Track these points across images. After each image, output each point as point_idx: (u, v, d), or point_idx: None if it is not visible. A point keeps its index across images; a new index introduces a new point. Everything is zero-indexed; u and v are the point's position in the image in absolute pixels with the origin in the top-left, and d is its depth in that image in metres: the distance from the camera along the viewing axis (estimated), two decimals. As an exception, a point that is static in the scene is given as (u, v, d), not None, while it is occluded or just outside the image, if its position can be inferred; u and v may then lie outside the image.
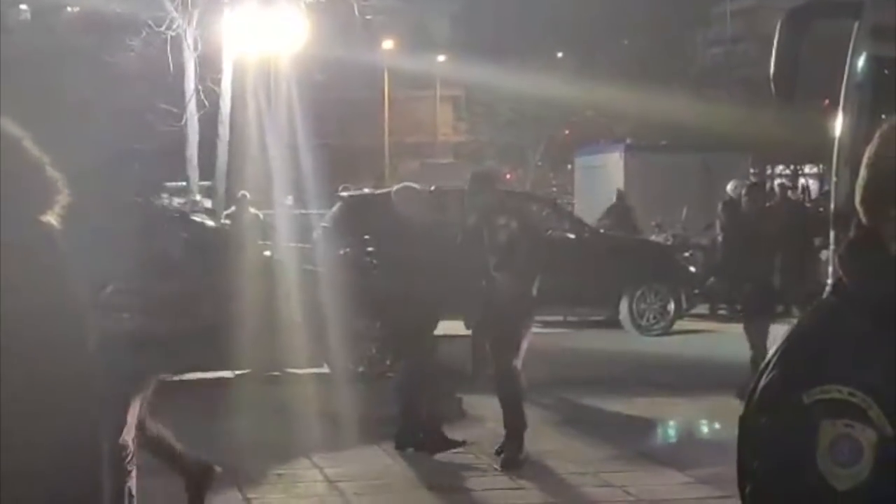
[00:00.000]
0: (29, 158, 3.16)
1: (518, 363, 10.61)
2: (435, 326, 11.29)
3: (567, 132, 49.46)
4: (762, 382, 2.33)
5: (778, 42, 10.55)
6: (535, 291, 10.69)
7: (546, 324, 20.74)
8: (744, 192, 14.83)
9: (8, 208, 3.06)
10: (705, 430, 11.83)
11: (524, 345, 10.64)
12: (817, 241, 21.26)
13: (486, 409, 12.67)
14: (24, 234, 3.08)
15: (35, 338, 3.00)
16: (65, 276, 3.14)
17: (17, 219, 3.08)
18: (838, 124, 11.12)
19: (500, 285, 10.53)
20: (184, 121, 30.80)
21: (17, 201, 3.09)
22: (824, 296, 2.42)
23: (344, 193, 23.56)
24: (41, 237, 3.12)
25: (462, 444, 11.11)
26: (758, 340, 13.46)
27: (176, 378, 14.53)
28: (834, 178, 11.21)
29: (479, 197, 10.96)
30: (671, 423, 12.41)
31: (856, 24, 10.64)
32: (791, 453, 2.21)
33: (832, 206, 11.42)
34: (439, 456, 10.76)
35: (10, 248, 3.03)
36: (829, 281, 12.12)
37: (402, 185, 12.00)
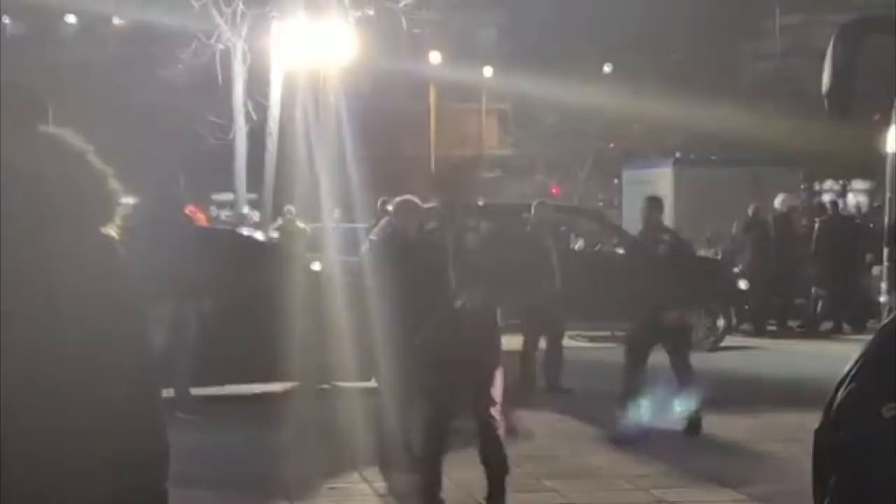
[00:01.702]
0: (93, 171, 3.18)
1: (498, 408, 9.21)
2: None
3: (613, 146, 49.36)
4: (839, 397, 2.31)
5: (831, 58, 10.47)
6: (499, 318, 9.35)
7: (593, 338, 20.70)
8: (642, 206, 13.45)
9: (71, 219, 3.08)
10: (757, 446, 11.71)
11: (499, 381, 9.21)
12: (868, 257, 21.14)
13: (536, 424, 12.65)
14: (87, 245, 3.09)
15: (96, 349, 3.00)
16: (125, 288, 3.15)
17: (80, 230, 3.09)
18: (892, 139, 11.05)
19: (464, 305, 8.95)
20: (232, 134, 30.97)
21: (80, 213, 3.11)
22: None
23: (389, 207, 23.54)
24: (103, 248, 3.13)
25: None
26: (630, 370, 12.99)
27: (226, 391, 14.64)
28: (888, 194, 11.14)
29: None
30: (722, 439, 12.31)
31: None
32: (870, 467, 2.19)
33: (886, 221, 11.34)
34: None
35: (75, 259, 3.04)
36: (883, 297, 12.04)
37: (402, 197, 11.62)
